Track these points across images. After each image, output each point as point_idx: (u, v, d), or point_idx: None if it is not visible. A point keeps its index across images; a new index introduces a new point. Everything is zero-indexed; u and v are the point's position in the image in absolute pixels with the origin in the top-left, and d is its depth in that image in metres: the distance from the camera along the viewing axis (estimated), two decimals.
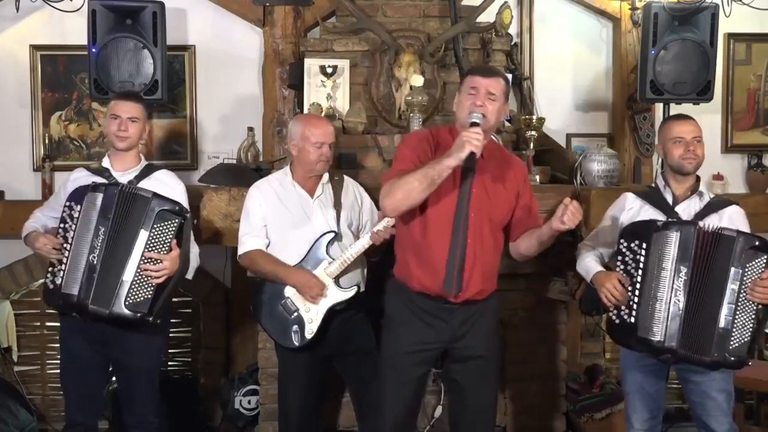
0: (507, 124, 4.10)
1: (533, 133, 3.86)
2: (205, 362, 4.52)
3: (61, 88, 4.40)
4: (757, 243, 2.78)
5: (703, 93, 4.01)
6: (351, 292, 3.19)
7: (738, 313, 2.77)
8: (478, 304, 2.80)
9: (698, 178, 3.03)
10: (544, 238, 2.78)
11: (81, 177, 3.12)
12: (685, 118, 3.04)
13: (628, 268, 2.90)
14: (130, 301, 2.93)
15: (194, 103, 4.45)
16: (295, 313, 3.17)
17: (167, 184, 3.14)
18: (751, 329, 2.77)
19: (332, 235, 3.17)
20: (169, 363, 4.56)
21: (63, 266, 2.97)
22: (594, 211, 3.59)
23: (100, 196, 2.95)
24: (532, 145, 3.85)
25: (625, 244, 2.91)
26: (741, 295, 2.77)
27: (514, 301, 3.92)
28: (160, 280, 2.95)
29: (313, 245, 3.17)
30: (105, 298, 2.92)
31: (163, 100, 3.91)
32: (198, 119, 4.48)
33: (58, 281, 2.97)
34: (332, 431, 3.84)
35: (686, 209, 2.95)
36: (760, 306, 2.79)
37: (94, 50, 3.78)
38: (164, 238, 2.96)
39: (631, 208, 3.05)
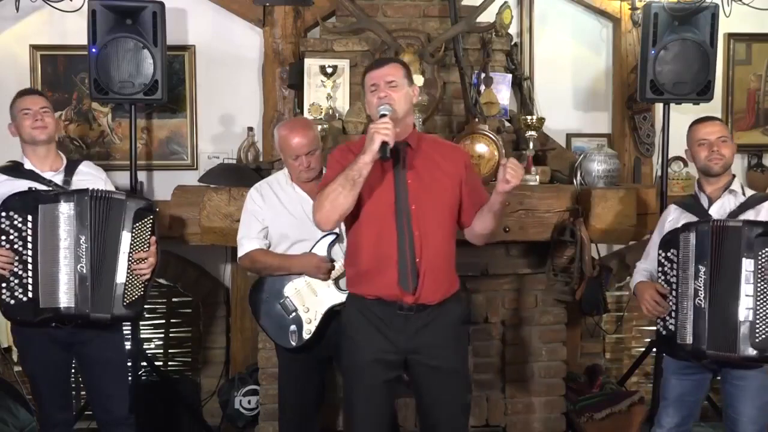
0: (507, 124, 4.10)
1: (533, 133, 3.86)
2: (205, 362, 4.52)
3: (61, 88, 4.39)
4: (765, 229, 2.72)
5: (703, 93, 4.00)
6: None
7: (759, 303, 2.71)
8: (433, 309, 2.70)
9: (733, 177, 3.00)
10: (495, 208, 2.68)
11: (2, 182, 3.01)
12: (710, 120, 3.04)
13: (668, 277, 2.91)
14: (128, 302, 3.00)
15: (194, 103, 4.45)
16: (294, 313, 3.16)
17: (95, 176, 3.18)
18: None
19: (333, 236, 3.16)
20: (169, 363, 4.56)
21: (24, 281, 2.89)
22: (594, 211, 3.59)
23: (63, 206, 2.91)
24: (532, 145, 3.86)
25: (663, 255, 2.94)
26: (759, 285, 2.71)
27: (514, 301, 3.93)
28: (147, 276, 3.05)
29: (314, 247, 3.16)
30: (105, 303, 2.95)
31: (163, 100, 3.91)
32: (198, 119, 4.47)
33: (25, 297, 2.89)
34: (332, 431, 3.84)
35: (720, 209, 2.95)
36: None
37: (94, 50, 3.78)
38: (144, 235, 3.06)
39: (672, 219, 3.05)
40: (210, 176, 3.84)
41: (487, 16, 4.00)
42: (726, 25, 4.26)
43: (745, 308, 2.72)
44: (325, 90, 3.95)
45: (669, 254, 2.91)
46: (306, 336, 3.15)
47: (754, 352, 2.71)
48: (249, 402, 4.08)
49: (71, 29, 4.21)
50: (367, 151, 2.55)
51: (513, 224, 3.59)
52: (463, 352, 2.88)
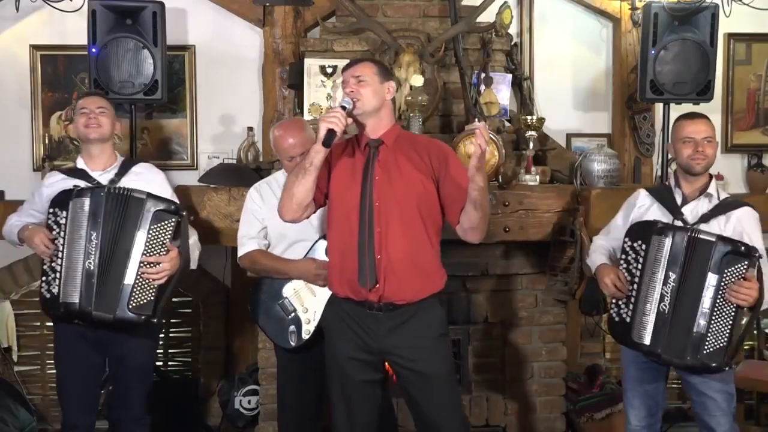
0: (507, 124, 4.10)
1: (533, 133, 3.86)
2: (205, 362, 4.52)
3: (61, 88, 4.40)
4: (736, 248, 2.75)
5: (703, 93, 4.00)
6: None
7: (714, 318, 2.76)
8: (405, 310, 2.68)
9: (711, 178, 3.00)
10: (473, 195, 2.57)
11: (57, 181, 3.08)
12: (697, 117, 3.00)
13: (630, 267, 2.91)
14: (134, 305, 2.94)
15: (194, 103, 4.45)
16: (293, 314, 3.16)
17: (147, 178, 3.14)
18: (727, 335, 2.74)
19: None
20: (169, 363, 4.56)
21: (57, 274, 2.94)
22: (594, 211, 3.59)
23: (86, 201, 2.93)
24: (532, 145, 3.86)
25: (629, 243, 2.92)
26: (718, 301, 2.75)
27: (514, 301, 3.93)
28: (161, 281, 2.97)
29: (312, 246, 3.15)
30: (108, 303, 2.92)
31: (163, 100, 3.91)
32: (198, 119, 4.48)
33: (55, 290, 2.94)
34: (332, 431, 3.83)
35: (693, 210, 2.93)
36: (742, 309, 2.76)
37: (94, 50, 3.78)
38: (162, 239, 2.97)
39: (642, 206, 3.04)
40: (210, 176, 3.84)
41: (487, 16, 4.00)
42: (726, 25, 4.26)
43: (699, 321, 2.77)
44: (325, 90, 3.95)
45: (635, 245, 2.90)
46: (305, 336, 3.15)
47: (700, 363, 2.78)
48: (249, 402, 4.08)
49: (71, 29, 4.21)
50: (317, 140, 2.59)
51: (513, 224, 3.59)
52: (443, 355, 2.78)
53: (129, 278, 2.93)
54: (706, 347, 2.76)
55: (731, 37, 4.65)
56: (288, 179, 2.72)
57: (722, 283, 2.75)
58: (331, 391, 2.85)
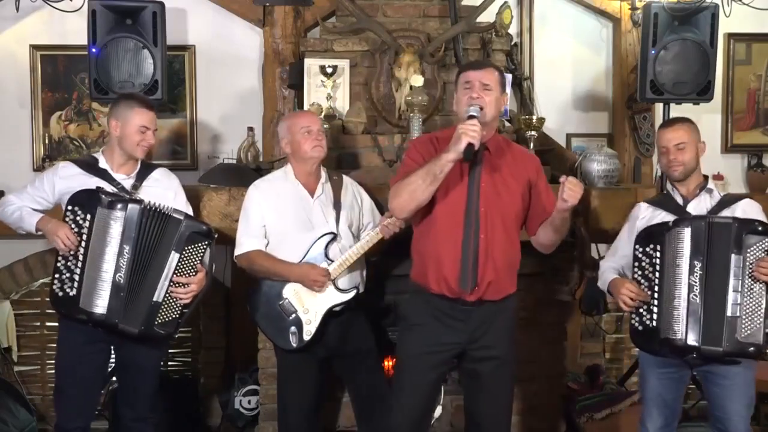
0: (507, 124, 4.10)
1: (533, 133, 3.86)
2: (205, 362, 4.52)
3: (61, 88, 4.40)
4: (753, 226, 2.77)
5: (703, 93, 4.00)
6: (350, 294, 3.18)
7: (745, 299, 2.75)
8: (495, 305, 2.80)
9: (705, 177, 3.03)
10: (556, 222, 2.76)
11: (74, 175, 3.05)
12: (671, 125, 3.04)
13: (646, 272, 2.91)
14: (160, 322, 2.98)
15: (194, 103, 4.46)
16: (293, 315, 3.16)
17: (165, 185, 3.15)
18: (762, 314, 2.74)
19: (330, 236, 3.16)
20: (169, 363, 4.56)
21: (75, 277, 2.92)
22: (594, 211, 3.59)
23: (120, 213, 2.91)
24: (532, 145, 3.85)
25: (641, 249, 2.93)
26: (746, 281, 2.75)
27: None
28: (188, 302, 3.01)
29: (311, 246, 3.16)
30: (136, 318, 2.95)
31: (163, 100, 3.90)
32: (198, 119, 4.48)
33: (72, 292, 2.92)
34: (332, 431, 3.84)
35: (697, 207, 2.95)
36: None
37: (94, 50, 3.77)
38: (194, 260, 3.02)
39: (644, 217, 3.05)
40: (210, 176, 3.84)
41: (487, 16, 4.00)
42: (726, 25, 4.26)
43: (731, 303, 2.77)
44: (325, 90, 3.94)
45: (648, 249, 2.90)
46: (306, 337, 3.15)
47: (738, 347, 2.76)
48: (249, 402, 4.08)
49: (71, 29, 4.22)
50: (452, 150, 2.59)
51: None
52: (514, 346, 2.97)
53: (158, 296, 2.97)
54: (743, 329, 2.75)
55: (731, 37, 4.66)
56: (411, 180, 2.67)
57: (747, 263, 2.75)
58: (402, 383, 2.87)
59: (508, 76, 4.12)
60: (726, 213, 2.89)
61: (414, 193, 2.67)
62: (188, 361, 4.57)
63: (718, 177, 4.54)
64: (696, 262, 2.81)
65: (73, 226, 2.93)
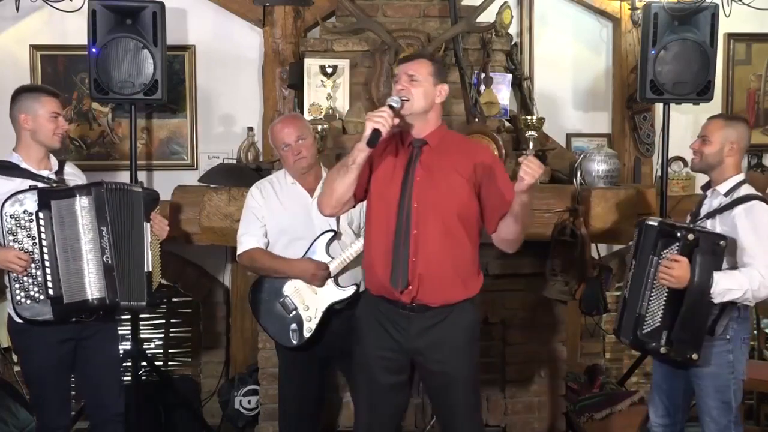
0: (507, 124, 4.10)
1: (533, 133, 3.86)
2: (205, 362, 4.52)
3: (61, 88, 4.36)
4: (670, 231, 2.83)
5: (703, 93, 4.00)
6: (350, 291, 3.18)
7: (651, 299, 2.86)
8: (439, 313, 2.66)
9: (729, 176, 3.00)
10: (515, 209, 2.57)
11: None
12: (712, 117, 3.07)
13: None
14: (154, 289, 3.12)
15: (194, 103, 4.45)
16: (294, 312, 3.17)
17: (78, 176, 3.19)
18: (660, 316, 2.82)
19: (331, 234, 3.17)
20: (169, 363, 4.56)
21: (39, 279, 2.83)
22: (594, 211, 3.59)
23: (86, 198, 2.89)
24: (532, 145, 3.85)
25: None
26: (655, 283, 2.84)
27: (514, 301, 3.93)
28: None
29: (312, 244, 3.16)
30: (137, 292, 3.03)
31: (163, 100, 3.90)
32: (198, 119, 4.48)
33: (41, 296, 2.82)
34: (332, 431, 3.84)
35: (708, 208, 2.99)
36: (681, 291, 2.77)
37: (94, 50, 3.78)
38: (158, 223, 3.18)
39: None
40: (210, 176, 3.83)
41: (487, 16, 4.00)
42: (726, 25, 4.26)
43: (642, 302, 2.89)
44: (325, 90, 3.95)
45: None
46: (307, 334, 3.15)
47: (636, 342, 2.93)
48: (249, 402, 4.08)
49: (71, 29, 4.22)
50: (361, 139, 2.55)
51: None
52: (470, 358, 2.78)
53: (148, 266, 3.08)
54: (644, 327, 2.86)
55: (731, 37, 4.66)
56: (329, 175, 2.71)
57: (659, 265, 2.82)
58: (356, 393, 2.84)
59: (508, 76, 4.13)
60: (718, 219, 2.88)
61: (330, 185, 2.64)
62: (188, 361, 4.58)
63: None
64: (633, 261, 2.96)
65: (18, 230, 2.82)
